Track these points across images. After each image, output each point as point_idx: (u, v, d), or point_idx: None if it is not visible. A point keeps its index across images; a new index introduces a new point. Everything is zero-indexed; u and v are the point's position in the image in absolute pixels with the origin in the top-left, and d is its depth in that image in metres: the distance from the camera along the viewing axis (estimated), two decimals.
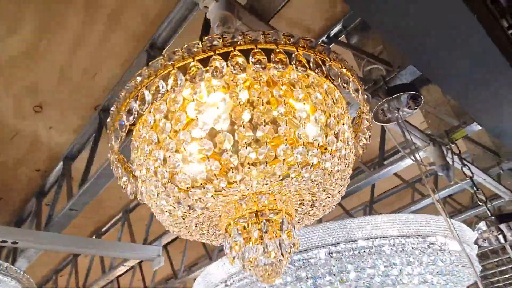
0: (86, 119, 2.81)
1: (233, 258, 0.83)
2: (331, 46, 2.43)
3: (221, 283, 1.47)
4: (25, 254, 3.15)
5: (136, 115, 0.77)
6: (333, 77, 0.78)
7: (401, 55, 1.91)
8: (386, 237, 1.32)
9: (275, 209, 0.83)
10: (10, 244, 2.52)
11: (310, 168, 0.76)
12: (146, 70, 0.75)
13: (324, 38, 2.44)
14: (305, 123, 0.75)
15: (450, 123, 2.54)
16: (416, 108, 1.87)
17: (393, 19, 1.48)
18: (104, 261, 4.15)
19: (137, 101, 0.76)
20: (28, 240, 2.64)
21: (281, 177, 0.76)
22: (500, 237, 2.20)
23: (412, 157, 2.05)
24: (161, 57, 0.74)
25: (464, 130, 2.48)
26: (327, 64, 0.78)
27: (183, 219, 0.87)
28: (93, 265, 4.28)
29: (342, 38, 2.43)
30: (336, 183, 0.87)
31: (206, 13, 1.39)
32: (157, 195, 0.82)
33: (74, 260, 4.22)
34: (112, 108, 0.82)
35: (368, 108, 0.93)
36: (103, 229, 4.07)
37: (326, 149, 0.78)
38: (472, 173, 2.42)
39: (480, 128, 2.48)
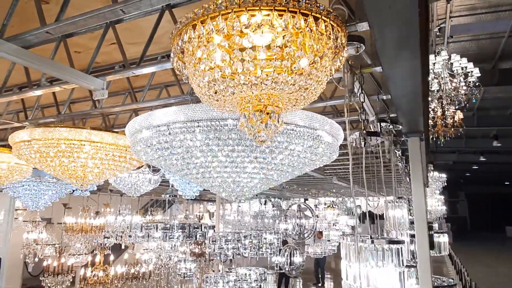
0: None
1: (246, 126, 1.50)
2: None
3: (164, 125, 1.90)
4: None
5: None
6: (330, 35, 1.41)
7: (364, 12, 2.61)
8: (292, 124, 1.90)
9: (269, 105, 1.51)
10: None
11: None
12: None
13: None
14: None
15: (365, 60, 3.47)
16: (358, 53, 2.69)
17: None
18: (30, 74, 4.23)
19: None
20: None
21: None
22: (363, 143, 3.44)
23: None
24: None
25: (372, 69, 3.46)
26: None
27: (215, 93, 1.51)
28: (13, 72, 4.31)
29: None
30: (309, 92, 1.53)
31: None
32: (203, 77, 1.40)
33: None
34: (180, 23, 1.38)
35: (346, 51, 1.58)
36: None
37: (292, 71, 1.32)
38: (364, 100, 3.50)
39: (381, 71, 3.49)
